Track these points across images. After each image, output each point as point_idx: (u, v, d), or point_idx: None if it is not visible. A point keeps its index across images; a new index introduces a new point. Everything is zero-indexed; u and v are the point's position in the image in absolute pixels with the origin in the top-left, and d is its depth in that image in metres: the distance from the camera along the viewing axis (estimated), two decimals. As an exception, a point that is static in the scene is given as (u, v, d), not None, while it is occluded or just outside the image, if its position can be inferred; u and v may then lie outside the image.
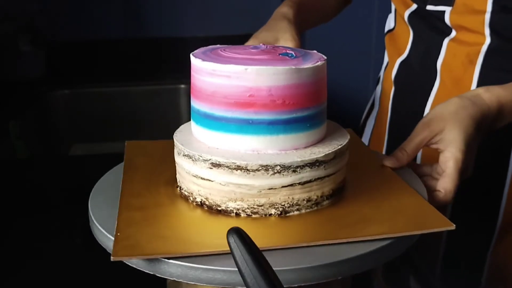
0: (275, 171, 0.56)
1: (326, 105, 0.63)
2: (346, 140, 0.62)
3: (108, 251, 0.55)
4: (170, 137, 0.65)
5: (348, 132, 0.67)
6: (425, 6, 0.86)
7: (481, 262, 0.91)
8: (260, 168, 0.55)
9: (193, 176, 0.59)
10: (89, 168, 1.11)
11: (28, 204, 1.00)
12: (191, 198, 0.60)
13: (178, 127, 0.66)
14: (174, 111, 1.85)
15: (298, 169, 0.56)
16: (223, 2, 1.98)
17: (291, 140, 0.58)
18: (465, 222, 0.90)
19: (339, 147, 0.60)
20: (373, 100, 1.07)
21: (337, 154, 0.59)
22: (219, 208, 0.58)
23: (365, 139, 1.07)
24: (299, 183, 0.57)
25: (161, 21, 1.97)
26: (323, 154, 0.58)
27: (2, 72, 1.75)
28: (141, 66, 1.94)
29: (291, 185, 0.56)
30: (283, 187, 0.56)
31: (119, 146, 1.89)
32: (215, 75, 0.57)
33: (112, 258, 0.51)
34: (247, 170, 0.56)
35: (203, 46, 0.65)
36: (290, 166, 0.56)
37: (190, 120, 0.65)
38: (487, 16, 0.81)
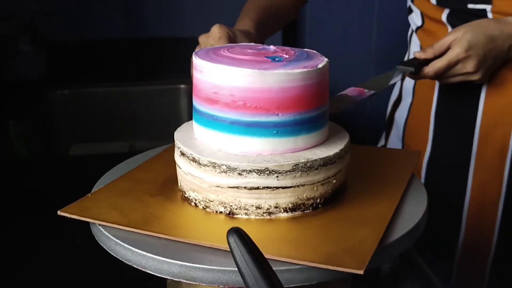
0: (222, 170, 0.56)
1: (318, 115, 0.60)
2: (320, 157, 0.58)
3: (108, 251, 0.55)
4: (170, 137, 0.65)
5: (412, 152, 0.68)
6: (467, 5, 0.92)
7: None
8: (209, 164, 0.56)
9: (175, 160, 0.63)
10: (89, 168, 1.11)
11: (28, 204, 1.00)
12: (178, 181, 0.64)
13: (177, 127, 0.67)
14: (174, 111, 1.85)
15: (244, 173, 0.55)
16: (223, 2, 1.97)
17: (254, 144, 0.57)
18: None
19: (303, 161, 0.56)
20: (400, 93, 1.10)
21: (298, 168, 0.56)
22: (185, 195, 0.61)
23: (397, 131, 1.10)
24: (245, 187, 0.56)
25: (161, 21, 1.97)
26: (276, 163, 0.56)
27: (2, 72, 1.75)
28: (141, 66, 1.94)
29: (237, 187, 0.56)
30: (229, 187, 0.56)
31: (119, 146, 1.89)
32: (196, 70, 0.60)
33: (58, 212, 0.57)
34: (199, 163, 0.57)
35: (203, 46, 0.65)
36: (235, 168, 0.56)
37: (190, 120, 0.65)
38: None
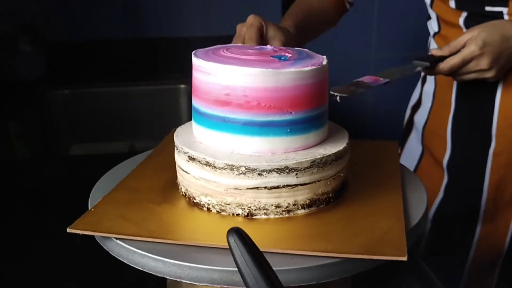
0: (240, 172, 0.55)
1: (323, 112, 0.61)
2: (333, 151, 0.59)
3: (108, 251, 0.55)
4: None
5: (390, 143, 0.70)
6: (484, 7, 0.95)
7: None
8: (226, 167, 0.56)
9: (178, 166, 0.61)
10: (89, 168, 1.11)
11: (28, 204, 1.00)
12: (180, 187, 0.62)
13: (177, 127, 0.66)
14: (174, 111, 1.85)
15: (264, 173, 0.55)
16: (223, 2, 1.97)
17: (268, 143, 0.57)
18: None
19: (320, 156, 0.57)
20: (420, 97, 1.12)
21: (315, 164, 0.57)
22: (194, 201, 0.59)
23: (416, 134, 1.12)
24: (265, 187, 0.56)
25: (161, 21, 1.97)
26: (296, 161, 0.56)
27: (2, 72, 1.75)
28: (140, 66, 1.94)
29: (257, 188, 0.56)
30: (248, 188, 0.56)
31: (119, 146, 1.89)
32: (200, 72, 0.58)
33: (68, 230, 0.53)
34: (215, 167, 0.56)
35: (203, 46, 0.65)
36: (255, 169, 0.55)
37: (190, 120, 0.65)
38: None
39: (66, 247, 0.83)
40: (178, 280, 0.51)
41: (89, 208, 0.60)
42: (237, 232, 0.40)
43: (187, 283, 0.52)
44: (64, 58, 1.90)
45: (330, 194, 0.61)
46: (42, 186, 1.07)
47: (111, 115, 1.82)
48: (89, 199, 0.63)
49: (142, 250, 0.52)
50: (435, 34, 1.05)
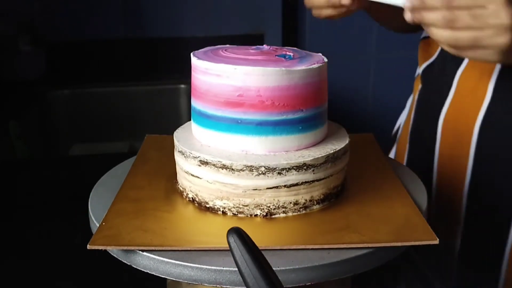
0: (260, 172, 0.55)
1: (326, 108, 0.62)
2: (342, 145, 0.60)
3: (108, 251, 0.55)
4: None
5: (366, 136, 0.70)
6: None
7: (498, 261, 0.92)
8: (245, 168, 0.55)
9: (185, 172, 0.60)
10: (89, 168, 1.11)
11: (28, 204, 1.00)
12: (185, 193, 0.61)
13: (178, 127, 0.66)
14: (174, 111, 1.85)
15: (284, 172, 0.55)
16: (223, 2, 1.98)
17: (281, 142, 0.57)
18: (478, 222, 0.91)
19: (332, 151, 0.58)
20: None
21: (329, 159, 0.58)
22: (207, 206, 0.59)
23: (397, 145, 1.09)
24: (284, 186, 0.56)
25: (161, 21, 1.97)
26: (312, 157, 0.57)
27: (2, 72, 1.76)
28: (140, 66, 1.94)
29: (276, 187, 0.56)
30: (268, 188, 0.56)
31: (119, 146, 1.89)
32: (208, 74, 0.58)
33: (88, 247, 0.52)
34: (232, 169, 0.55)
35: (203, 46, 0.65)
36: (275, 168, 0.55)
37: (190, 120, 0.65)
38: None
39: (66, 247, 0.83)
40: (221, 286, 0.50)
41: (89, 209, 0.60)
42: (237, 232, 0.40)
43: (187, 283, 0.52)
44: (64, 58, 1.90)
45: (339, 188, 0.62)
46: (42, 186, 1.07)
47: (111, 115, 1.82)
48: (89, 199, 0.63)
49: (167, 258, 0.51)
50: (423, 38, 1.03)
